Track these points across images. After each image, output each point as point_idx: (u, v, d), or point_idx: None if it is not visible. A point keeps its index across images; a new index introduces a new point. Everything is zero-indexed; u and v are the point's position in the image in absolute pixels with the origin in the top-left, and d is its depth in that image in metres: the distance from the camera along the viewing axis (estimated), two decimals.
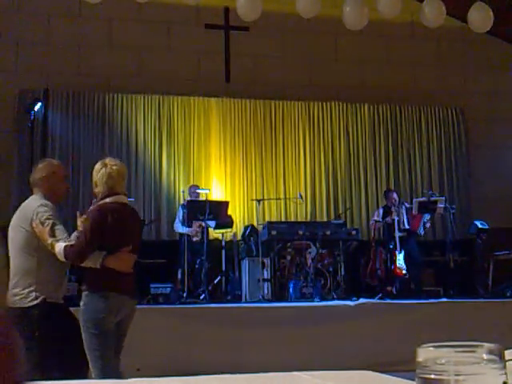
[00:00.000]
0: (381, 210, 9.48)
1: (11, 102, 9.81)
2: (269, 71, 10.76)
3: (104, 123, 10.22)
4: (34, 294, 3.76)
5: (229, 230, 9.27)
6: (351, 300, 7.75)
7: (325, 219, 10.38)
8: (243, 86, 10.65)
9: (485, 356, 0.71)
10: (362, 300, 7.73)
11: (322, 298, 7.99)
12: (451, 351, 0.71)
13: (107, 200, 3.82)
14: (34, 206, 3.88)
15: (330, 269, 8.66)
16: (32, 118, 8.46)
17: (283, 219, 10.33)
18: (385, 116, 11.18)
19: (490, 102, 11.49)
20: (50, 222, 3.76)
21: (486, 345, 0.71)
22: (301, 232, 8.82)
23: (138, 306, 7.37)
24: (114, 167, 3.86)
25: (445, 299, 8.03)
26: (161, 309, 7.29)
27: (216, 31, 10.64)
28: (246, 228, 9.51)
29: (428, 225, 9.31)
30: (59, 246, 3.69)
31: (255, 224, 9.43)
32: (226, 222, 8.98)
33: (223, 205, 8.90)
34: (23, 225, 3.85)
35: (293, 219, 10.39)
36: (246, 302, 8.24)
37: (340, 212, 10.55)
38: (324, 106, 10.98)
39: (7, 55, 9.91)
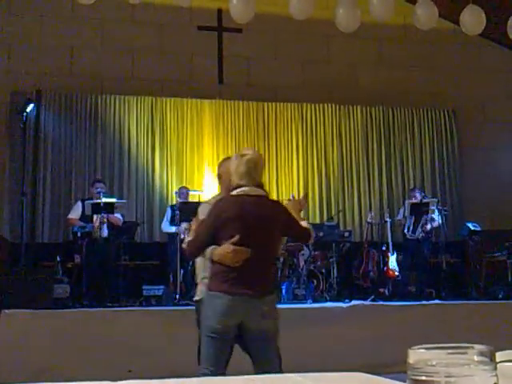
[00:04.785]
0: (405, 208, 9.36)
1: (3, 104, 9.78)
2: (262, 73, 10.76)
3: (96, 125, 10.19)
4: (201, 287, 3.89)
5: None
6: (344, 302, 7.75)
7: (317, 221, 10.38)
8: (236, 87, 10.65)
9: (476, 358, 0.71)
10: (354, 302, 7.73)
11: (315, 300, 8.00)
12: (442, 353, 0.71)
13: (234, 192, 3.57)
14: (203, 203, 4.14)
15: (323, 270, 8.66)
16: (24, 119, 8.43)
17: None
18: (377, 118, 11.19)
19: (482, 105, 11.52)
20: (202, 218, 3.71)
21: (477, 346, 0.71)
22: None
23: (131, 308, 7.41)
24: (245, 157, 3.57)
25: (437, 301, 8.05)
26: (153, 311, 7.28)
27: (209, 33, 10.65)
28: None
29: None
30: (185, 242, 3.73)
31: None
32: None
33: None
34: None
35: None
36: None
37: (333, 214, 10.56)
38: (317, 107, 10.99)
39: None
